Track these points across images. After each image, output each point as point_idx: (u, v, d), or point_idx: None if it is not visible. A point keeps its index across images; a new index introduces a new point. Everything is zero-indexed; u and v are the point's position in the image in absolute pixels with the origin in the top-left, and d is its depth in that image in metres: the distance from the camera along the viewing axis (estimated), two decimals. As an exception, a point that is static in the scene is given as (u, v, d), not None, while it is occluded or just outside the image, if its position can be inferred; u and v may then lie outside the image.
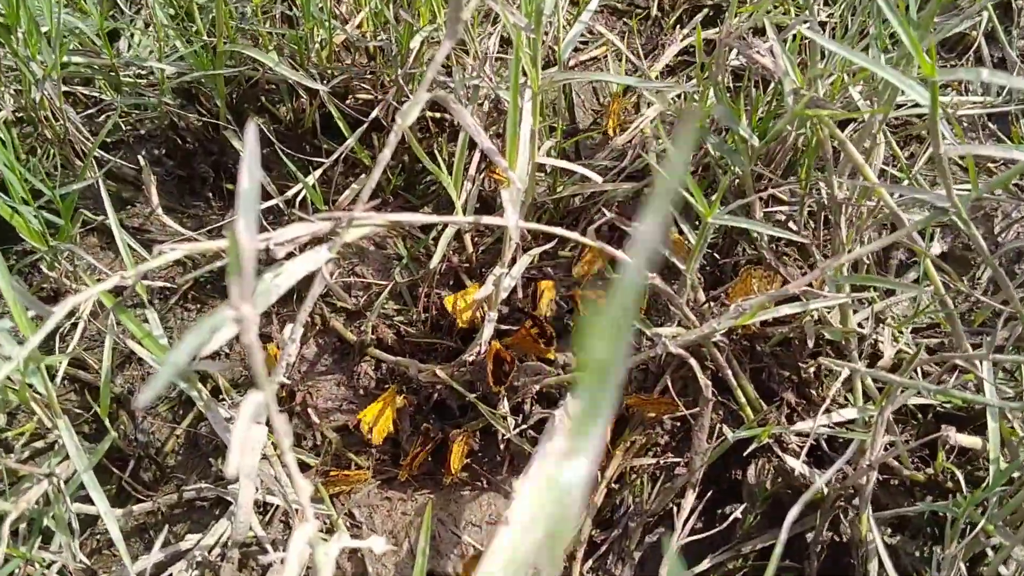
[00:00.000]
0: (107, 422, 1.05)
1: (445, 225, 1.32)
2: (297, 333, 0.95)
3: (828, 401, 0.99)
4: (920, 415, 1.20)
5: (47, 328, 0.81)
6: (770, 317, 1.07)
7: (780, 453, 1.08)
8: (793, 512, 0.96)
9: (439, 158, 1.19)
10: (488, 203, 1.38)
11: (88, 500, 1.13)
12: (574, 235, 0.92)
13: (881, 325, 1.21)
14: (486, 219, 0.88)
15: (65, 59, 1.24)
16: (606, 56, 1.59)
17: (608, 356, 0.31)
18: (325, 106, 1.37)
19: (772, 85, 1.29)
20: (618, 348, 0.28)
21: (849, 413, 1.02)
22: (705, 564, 1.12)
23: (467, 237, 1.28)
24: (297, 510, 1.02)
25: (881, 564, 1.05)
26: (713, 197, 1.13)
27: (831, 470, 1.02)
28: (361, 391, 1.24)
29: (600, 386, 0.31)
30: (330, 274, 1.31)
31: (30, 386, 0.93)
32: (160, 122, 1.40)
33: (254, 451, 0.97)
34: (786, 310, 0.99)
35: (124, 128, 1.45)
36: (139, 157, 1.32)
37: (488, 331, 1.08)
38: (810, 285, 1.01)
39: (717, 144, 1.19)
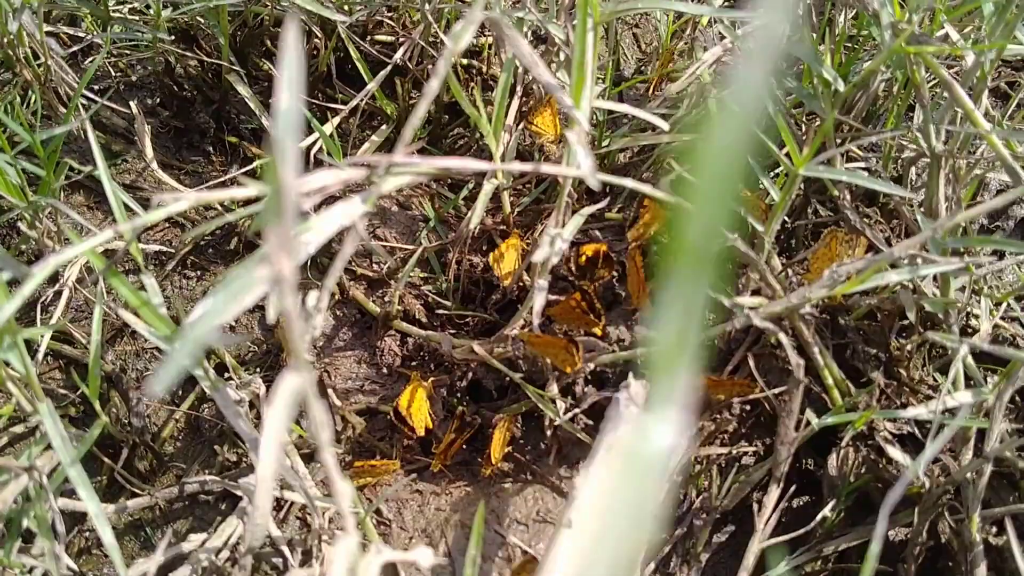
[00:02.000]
0: (97, 406, 0.90)
1: (479, 183, 1.17)
2: (323, 301, 0.80)
3: (947, 384, 0.84)
4: (1018, 397, 1.06)
5: (25, 292, 0.66)
6: (863, 288, 0.93)
7: (880, 442, 0.93)
8: (892, 498, 0.82)
9: (478, 103, 1.04)
10: (524, 158, 1.23)
11: (75, 493, 0.99)
12: (653, 190, 0.77)
13: (975, 296, 1.07)
14: (551, 168, 0.74)
15: (45, -13, 1.08)
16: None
17: (713, 218, 0.20)
18: (340, 49, 1.22)
19: (844, 20, 1.14)
20: (726, 206, 0.20)
21: (963, 397, 0.88)
22: (782, 567, 0.98)
23: (504, 195, 1.12)
24: (321, 509, 0.87)
25: (990, 568, 0.92)
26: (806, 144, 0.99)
27: (928, 452, 0.89)
28: (385, 369, 1.10)
29: (697, 269, 0.21)
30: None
31: (6, 363, 0.78)
32: (154, 68, 1.24)
33: (276, 445, 0.82)
34: (893, 277, 0.85)
35: (114, 74, 1.29)
36: (131, 105, 1.16)
37: (540, 301, 0.93)
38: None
39: (793, 88, 1.04)
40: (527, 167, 0.72)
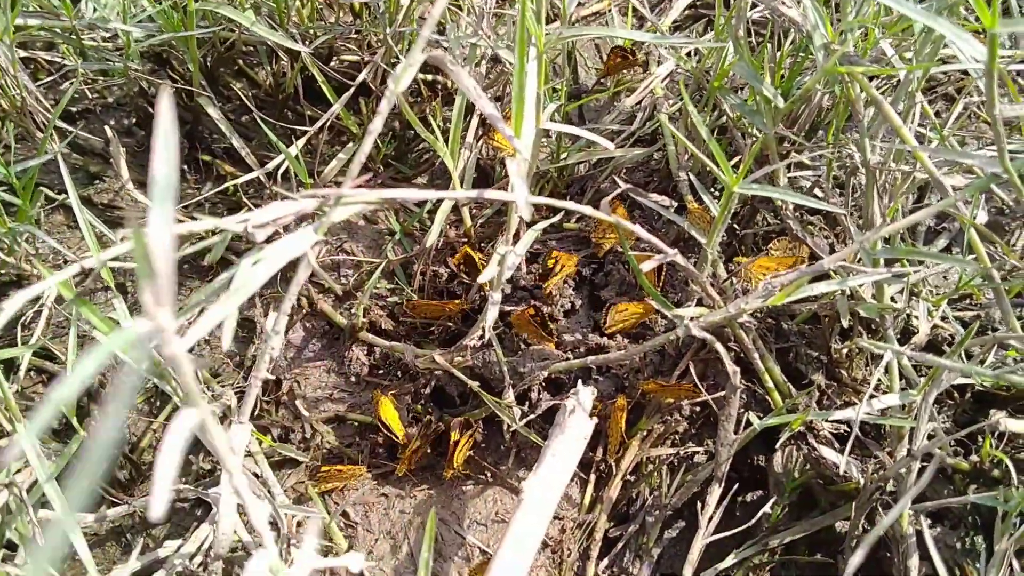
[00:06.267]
0: (75, 421, 0.96)
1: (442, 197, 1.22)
2: (281, 325, 0.85)
3: (871, 387, 0.89)
4: (957, 395, 1.11)
5: (-6, 327, 0.71)
6: (797, 298, 0.98)
7: (813, 442, 0.99)
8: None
9: (433, 124, 1.09)
10: (486, 172, 1.28)
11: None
12: (587, 209, 0.82)
13: (914, 299, 1.12)
14: (491, 194, 0.79)
15: (19, 21, 1.13)
16: (609, 11, 1.48)
17: None
18: (307, 70, 1.27)
19: (791, 39, 1.19)
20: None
21: (891, 399, 0.93)
22: (730, 560, 1.04)
23: (465, 210, 1.17)
24: (287, 515, 0.93)
25: (922, 558, 0.97)
26: (737, 164, 1.04)
27: (847, 452, 0.94)
28: (353, 378, 1.15)
29: None
30: (316, 252, 1.21)
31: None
32: (129, 89, 1.29)
33: (238, 456, 0.88)
34: (821, 288, 0.90)
35: (91, 96, 1.34)
36: (106, 128, 1.21)
37: (492, 314, 0.98)
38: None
39: (737, 105, 1.09)
40: (471, 194, 0.77)
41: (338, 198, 0.72)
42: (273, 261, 0.70)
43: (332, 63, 1.31)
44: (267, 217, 0.70)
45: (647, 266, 0.88)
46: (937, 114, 1.42)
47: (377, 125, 0.71)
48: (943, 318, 1.13)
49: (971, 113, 1.37)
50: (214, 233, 0.98)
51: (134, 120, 1.33)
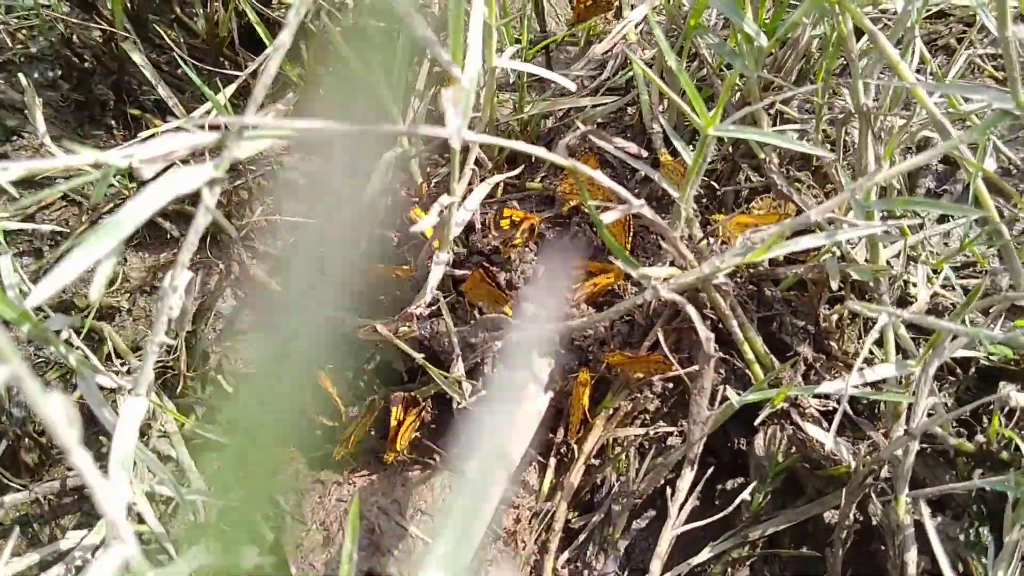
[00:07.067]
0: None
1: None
2: (180, 279, 0.74)
3: (861, 358, 0.78)
4: (960, 370, 1.00)
5: None
6: (782, 255, 0.87)
7: (798, 421, 0.87)
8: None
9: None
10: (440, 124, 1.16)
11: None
12: (541, 151, 0.71)
13: (913, 263, 1.01)
14: (424, 129, 0.68)
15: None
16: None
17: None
18: (246, 15, 1.15)
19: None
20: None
21: (885, 370, 0.82)
22: (705, 554, 0.93)
23: (414, 164, 1.06)
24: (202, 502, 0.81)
25: (921, 551, 0.86)
26: (714, 107, 0.93)
27: (833, 429, 0.84)
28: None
29: None
30: (250, 211, 1.10)
31: None
32: (47, 35, 1.18)
33: (131, 434, 0.77)
34: (806, 243, 0.78)
35: (12, 45, 1.22)
36: (21, 76, 1.10)
37: (436, 274, 0.87)
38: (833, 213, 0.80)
39: (717, 46, 0.97)
40: (401, 129, 0.66)
41: (241, 128, 0.61)
42: (157, 196, 0.59)
43: (279, 11, 1.19)
44: (155, 151, 0.59)
45: (608, 217, 0.77)
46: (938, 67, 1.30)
47: (284, 38, 0.59)
48: (944, 285, 1.02)
49: (974, 67, 1.26)
50: (98, 168, 0.86)
51: (59, 73, 1.21)
